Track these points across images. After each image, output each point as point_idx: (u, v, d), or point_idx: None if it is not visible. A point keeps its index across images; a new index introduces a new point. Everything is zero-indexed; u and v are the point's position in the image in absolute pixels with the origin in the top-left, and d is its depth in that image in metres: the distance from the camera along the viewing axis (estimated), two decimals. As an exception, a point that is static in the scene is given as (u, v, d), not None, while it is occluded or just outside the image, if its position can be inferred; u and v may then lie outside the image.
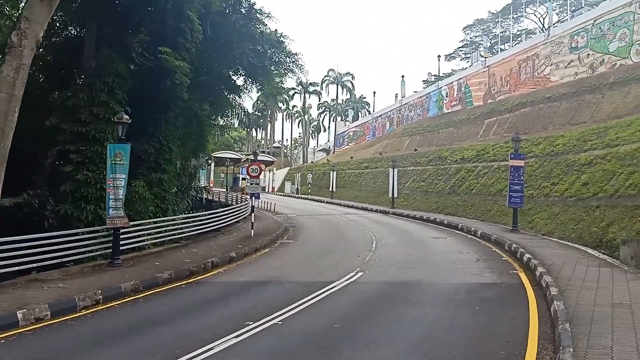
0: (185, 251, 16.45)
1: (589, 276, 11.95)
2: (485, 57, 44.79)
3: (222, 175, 63.18)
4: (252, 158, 31.65)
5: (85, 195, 15.04)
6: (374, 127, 68.01)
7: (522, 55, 38.55)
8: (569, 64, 33.06)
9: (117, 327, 8.95)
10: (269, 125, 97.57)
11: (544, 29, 48.80)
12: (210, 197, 36.82)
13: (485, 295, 10.98)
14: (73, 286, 11.02)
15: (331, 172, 51.71)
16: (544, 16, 55.88)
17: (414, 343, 8.00)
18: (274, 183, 69.74)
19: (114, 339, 8.22)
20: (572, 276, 11.91)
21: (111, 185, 13.79)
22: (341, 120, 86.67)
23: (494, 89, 41.61)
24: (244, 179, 48.43)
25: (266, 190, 61.54)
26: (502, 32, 60.90)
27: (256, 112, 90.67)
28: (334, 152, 78.92)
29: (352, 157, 58.29)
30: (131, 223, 14.92)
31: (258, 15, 20.53)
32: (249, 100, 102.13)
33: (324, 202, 47.01)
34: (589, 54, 31.39)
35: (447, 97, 49.10)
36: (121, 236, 14.15)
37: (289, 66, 22.28)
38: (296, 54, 21.91)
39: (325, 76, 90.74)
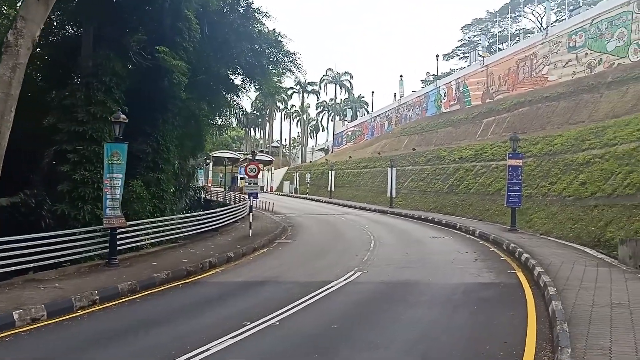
0: (183, 251, 16.42)
1: (587, 276, 11.93)
2: (484, 57, 44.83)
3: (221, 174, 63.17)
4: (251, 158, 31.58)
5: (82, 195, 14.97)
6: (372, 126, 68.02)
7: (520, 54, 38.57)
8: (567, 63, 33.08)
9: (114, 327, 8.90)
10: (268, 124, 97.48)
11: (542, 28, 48.78)
12: (208, 197, 36.77)
13: (483, 295, 10.96)
14: (70, 286, 10.97)
15: (330, 171, 51.68)
16: (542, 16, 55.88)
17: (411, 343, 7.97)
18: (272, 183, 69.69)
19: (111, 339, 8.18)
20: (570, 276, 11.89)
21: (108, 185, 13.74)
22: (340, 119, 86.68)
23: (492, 89, 41.62)
24: (242, 178, 48.36)
25: (265, 189, 61.53)
26: (500, 31, 60.94)
27: (254, 112, 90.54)
28: (332, 152, 78.91)
29: (350, 157, 58.29)
30: (128, 223, 14.88)
31: (256, 14, 20.49)
32: (247, 100, 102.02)
33: (322, 201, 46.99)
34: (587, 54, 31.41)
35: (445, 96, 49.11)
36: (118, 236, 14.10)
37: (287, 65, 22.25)
38: (294, 54, 21.91)
39: (323, 75, 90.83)
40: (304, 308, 9.95)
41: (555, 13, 53.69)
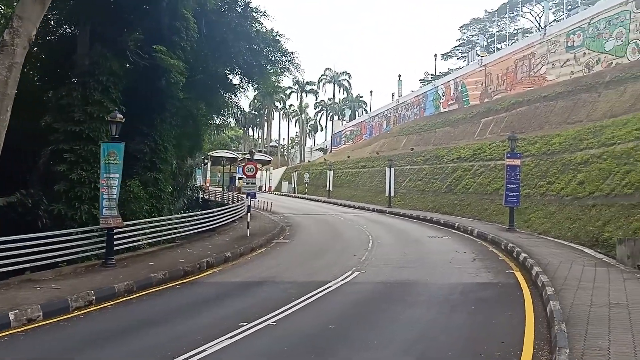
0: (181, 251, 16.36)
1: (585, 276, 11.92)
2: (482, 56, 44.83)
3: (219, 174, 63.10)
4: (249, 157, 31.54)
5: (79, 194, 14.90)
6: (370, 126, 68.00)
7: (518, 54, 38.57)
8: (565, 63, 33.09)
9: (110, 328, 8.86)
10: (266, 124, 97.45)
11: (540, 28, 48.85)
12: (206, 197, 36.73)
13: (481, 295, 10.94)
14: (66, 287, 10.92)
15: (328, 171, 51.65)
16: (540, 15, 55.96)
17: (410, 343, 7.94)
18: (270, 182, 69.64)
19: (106, 340, 8.13)
20: (568, 276, 11.87)
21: (105, 184, 13.67)
22: (338, 119, 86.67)
23: (490, 88, 41.63)
24: (240, 178, 48.31)
25: (263, 189, 61.47)
26: (498, 31, 60.97)
27: (253, 111, 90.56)
28: (330, 152, 78.89)
29: (349, 157, 58.26)
30: (126, 223, 14.82)
31: (254, 13, 20.44)
32: (245, 99, 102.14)
33: (320, 201, 46.96)
34: (585, 53, 31.41)
35: (443, 96, 49.12)
36: (115, 236, 14.04)
37: (285, 65, 22.21)
38: (292, 53, 21.87)
39: (322, 75, 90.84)
40: (302, 308, 9.91)
41: (553, 13, 53.74)
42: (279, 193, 62.80)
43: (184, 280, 12.76)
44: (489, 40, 58.81)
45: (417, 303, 10.43)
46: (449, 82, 48.94)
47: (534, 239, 18.64)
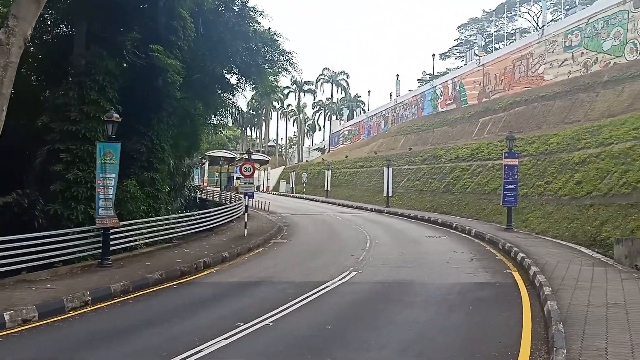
0: (177, 251, 16.31)
1: (582, 275, 11.90)
2: (480, 56, 44.85)
3: (217, 174, 63.03)
4: (246, 157, 31.53)
5: (75, 194, 14.83)
6: (368, 126, 67.97)
7: (516, 54, 38.58)
8: (563, 62, 33.11)
9: (105, 328, 8.81)
10: (264, 124, 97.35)
11: (538, 27, 48.87)
12: (204, 197, 36.65)
13: (478, 295, 10.93)
14: (62, 287, 10.86)
15: (326, 171, 51.62)
16: (538, 15, 56.01)
17: (407, 344, 7.92)
18: (268, 182, 69.59)
19: (102, 340, 8.09)
20: (565, 275, 11.86)
21: (101, 184, 13.61)
22: (336, 119, 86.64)
23: (488, 88, 41.63)
24: (238, 178, 48.23)
25: (261, 189, 61.39)
26: (496, 31, 61.00)
27: (250, 111, 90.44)
28: (329, 151, 78.81)
29: (347, 156, 58.22)
30: (122, 223, 14.76)
31: (251, 13, 20.38)
32: (243, 99, 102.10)
33: (318, 201, 46.93)
34: (583, 53, 31.43)
35: (441, 96, 49.12)
36: (112, 236, 13.98)
37: (283, 64, 22.16)
38: (290, 52, 21.82)
39: (320, 75, 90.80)
40: (299, 308, 9.88)
41: (551, 12, 53.78)
42: (277, 193, 62.76)
43: (181, 281, 12.71)
44: (487, 40, 58.82)
45: (415, 303, 10.40)
46: (447, 81, 48.95)
47: (532, 239, 18.64)
